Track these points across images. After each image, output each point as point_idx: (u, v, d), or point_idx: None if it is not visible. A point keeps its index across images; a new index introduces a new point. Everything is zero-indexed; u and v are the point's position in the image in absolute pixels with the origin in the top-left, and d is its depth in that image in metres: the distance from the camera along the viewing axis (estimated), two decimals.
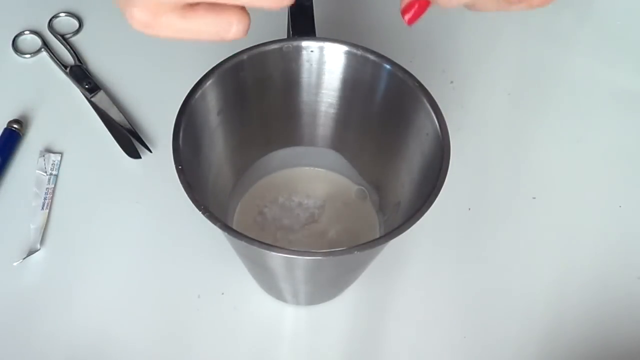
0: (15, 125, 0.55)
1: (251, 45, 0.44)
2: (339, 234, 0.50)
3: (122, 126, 0.56)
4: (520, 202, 0.55)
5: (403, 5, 0.30)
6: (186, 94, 0.41)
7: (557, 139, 0.59)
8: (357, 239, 0.49)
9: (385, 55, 0.44)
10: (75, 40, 0.62)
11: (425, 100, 0.42)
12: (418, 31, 0.62)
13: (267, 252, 0.36)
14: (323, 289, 0.48)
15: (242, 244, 0.36)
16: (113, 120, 0.57)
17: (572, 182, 0.56)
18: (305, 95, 0.47)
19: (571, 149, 0.59)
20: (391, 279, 0.50)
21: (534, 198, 0.55)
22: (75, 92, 0.59)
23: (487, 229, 0.53)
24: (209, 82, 0.42)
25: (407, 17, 0.30)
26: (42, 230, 0.51)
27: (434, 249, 0.52)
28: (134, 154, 0.55)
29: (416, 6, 0.30)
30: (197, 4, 0.30)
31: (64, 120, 0.57)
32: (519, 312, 0.50)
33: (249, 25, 0.31)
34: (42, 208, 0.52)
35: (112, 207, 0.53)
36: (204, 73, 0.42)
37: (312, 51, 0.45)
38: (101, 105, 0.57)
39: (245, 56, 0.43)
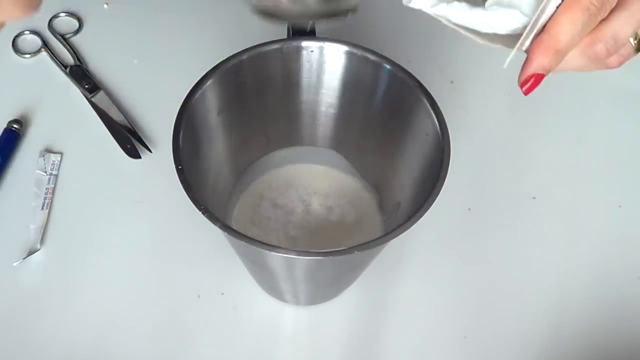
0: (15, 125, 0.55)
1: (251, 45, 0.44)
2: (339, 233, 0.50)
3: (122, 126, 0.56)
4: (520, 202, 0.55)
5: (522, 78, 0.32)
6: (186, 94, 0.41)
7: (557, 139, 0.59)
8: (357, 239, 0.49)
9: (385, 55, 0.44)
10: (75, 40, 0.62)
11: (425, 100, 0.42)
12: (418, 31, 0.62)
13: (267, 252, 0.36)
14: (323, 289, 0.48)
15: (242, 244, 0.36)
16: (113, 120, 0.57)
17: (572, 182, 0.56)
18: (305, 95, 0.47)
19: (571, 149, 0.59)
20: (391, 279, 0.50)
21: (534, 198, 0.55)
22: (75, 92, 0.59)
23: (487, 229, 0.53)
24: (209, 82, 0.42)
25: (525, 88, 0.31)
26: (42, 230, 0.51)
27: (434, 249, 0.52)
28: (134, 154, 0.55)
29: (533, 79, 0.31)
30: None
31: (64, 120, 0.57)
32: (519, 311, 0.50)
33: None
34: (42, 208, 0.52)
35: (112, 207, 0.53)
36: (204, 73, 0.42)
37: (312, 51, 0.45)
38: (101, 105, 0.57)
39: (245, 56, 0.43)
